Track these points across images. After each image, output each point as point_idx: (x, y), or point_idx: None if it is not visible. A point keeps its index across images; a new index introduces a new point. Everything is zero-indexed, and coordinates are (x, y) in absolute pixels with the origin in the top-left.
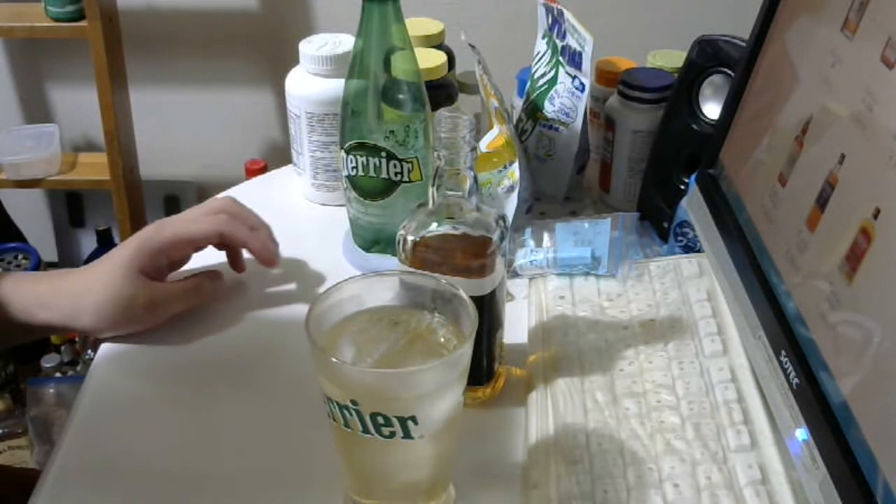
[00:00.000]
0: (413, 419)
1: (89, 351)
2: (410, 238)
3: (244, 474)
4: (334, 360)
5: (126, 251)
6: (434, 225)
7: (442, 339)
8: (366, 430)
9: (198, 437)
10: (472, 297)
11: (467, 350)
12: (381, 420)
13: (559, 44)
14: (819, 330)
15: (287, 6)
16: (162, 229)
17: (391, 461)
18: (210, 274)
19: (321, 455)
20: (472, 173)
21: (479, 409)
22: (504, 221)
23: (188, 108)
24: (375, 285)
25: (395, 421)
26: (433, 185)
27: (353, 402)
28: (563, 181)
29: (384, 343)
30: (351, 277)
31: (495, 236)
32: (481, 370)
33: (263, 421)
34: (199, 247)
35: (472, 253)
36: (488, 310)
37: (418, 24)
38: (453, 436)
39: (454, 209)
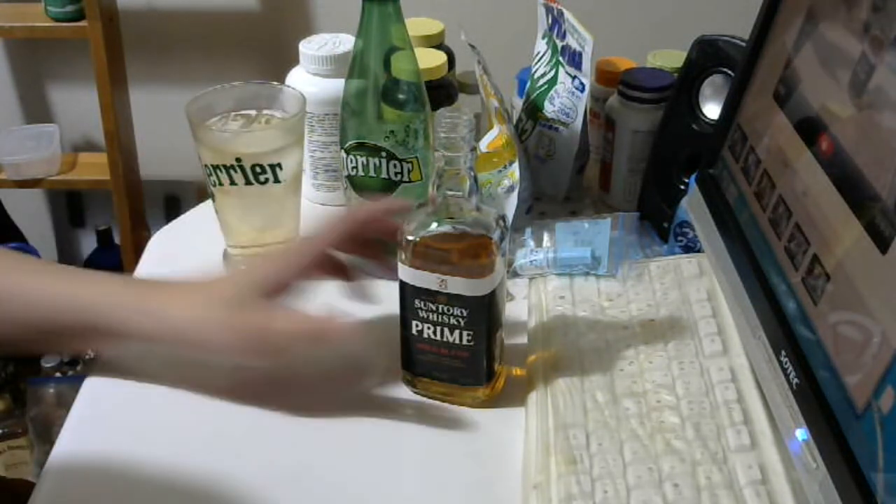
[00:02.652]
0: (279, 166)
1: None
2: (410, 238)
3: (245, 474)
4: (227, 131)
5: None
6: (434, 225)
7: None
8: (248, 182)
9: (198, 437)
10: (473, 297)
11: (301, 118)
12: (258, 169)
13: (559, 44)
14: (819, 329)
15: (287, 6)
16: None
17: (264, 206)
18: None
19: (323, 451)
20: (472, 173)
21: (479, 409)
22: (504, 221)
23: None
24: (227, 93)
25: (268, 168)
26: (433, 185)
27: (238, 160)
28: (563, 181)
29: (246, 125)
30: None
31: (495, 236)
32: (481, 370)
33: (264, 420)
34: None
35: (472, 253)
36: (488, 310)
37: (418, 24)
38: (300, 186)
39: (454, 209)
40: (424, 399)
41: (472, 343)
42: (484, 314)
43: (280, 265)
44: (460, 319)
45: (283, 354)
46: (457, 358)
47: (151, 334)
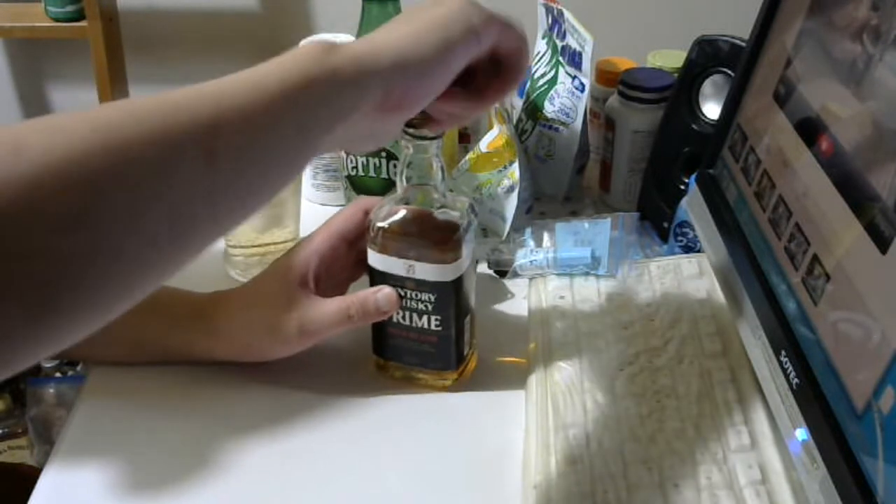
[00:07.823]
0: None
1: None
2: (378, 225)
3: (245, 474)
4: None
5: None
6: (402, 212)
7: None
8: None
9: (198, 437)
10: (440, 283)
11: None
12: None
13: (559, 44)
14: (819, 329)
15: (287, 6)
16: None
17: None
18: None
19: (324, 449)
20: (439, 160)
21: (479, 409)
22: (474, 210)
23: None
24: None
25: None
26: (401, 173)
27: None
28: (563, 181)
29: None
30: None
31: (462, 223)
32: (450, 355)
33: (264, 420)
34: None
35: (438, 239)
36: (456, 295)
37: None
38: (300, 186)
39: (422, 196)
40: (421, 399)
41: (440, 328)
42: (451, 300)
43: (301, 256)
44: (428, 305)
45: (320, 339)
46: (426, 342)
47: (219, 355)
